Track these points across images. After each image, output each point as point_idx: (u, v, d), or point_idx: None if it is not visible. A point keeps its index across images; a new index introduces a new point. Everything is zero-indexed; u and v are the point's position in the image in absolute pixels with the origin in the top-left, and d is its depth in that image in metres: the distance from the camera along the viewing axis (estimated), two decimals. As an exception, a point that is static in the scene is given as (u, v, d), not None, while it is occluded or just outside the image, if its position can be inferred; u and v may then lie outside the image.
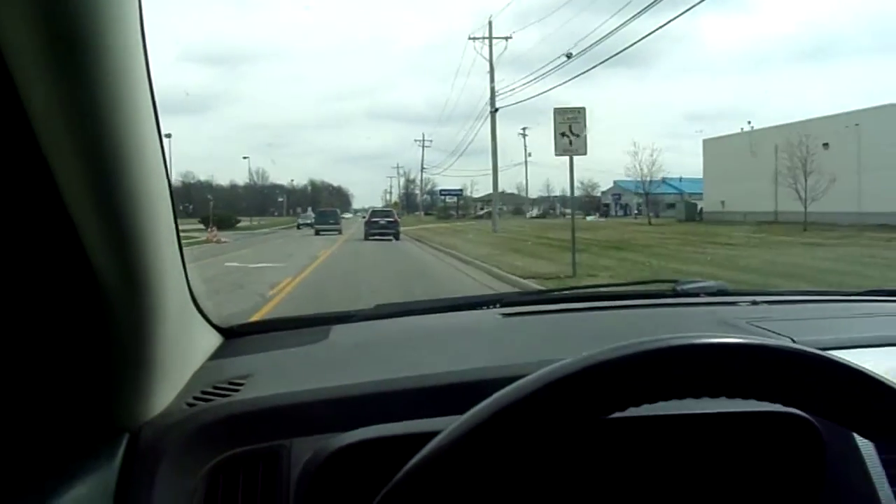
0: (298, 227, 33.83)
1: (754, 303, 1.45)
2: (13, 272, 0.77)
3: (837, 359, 0.55)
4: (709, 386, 0.55)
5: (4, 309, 0.78)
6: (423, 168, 74.06)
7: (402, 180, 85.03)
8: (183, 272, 0.99)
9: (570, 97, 63.78)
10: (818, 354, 0.55)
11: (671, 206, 52.58)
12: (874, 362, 0.66)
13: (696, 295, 1.53)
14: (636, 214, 56.47)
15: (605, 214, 59.26)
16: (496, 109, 33.26)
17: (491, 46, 35.17)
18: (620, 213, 63.52)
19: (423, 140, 71.25)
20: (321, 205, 43.79)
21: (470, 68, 71.25)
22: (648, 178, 43.29)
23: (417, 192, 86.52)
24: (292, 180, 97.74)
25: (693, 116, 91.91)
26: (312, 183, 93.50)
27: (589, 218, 43.42)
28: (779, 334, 1.10)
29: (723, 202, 41.03)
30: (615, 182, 64.91)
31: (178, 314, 0.95)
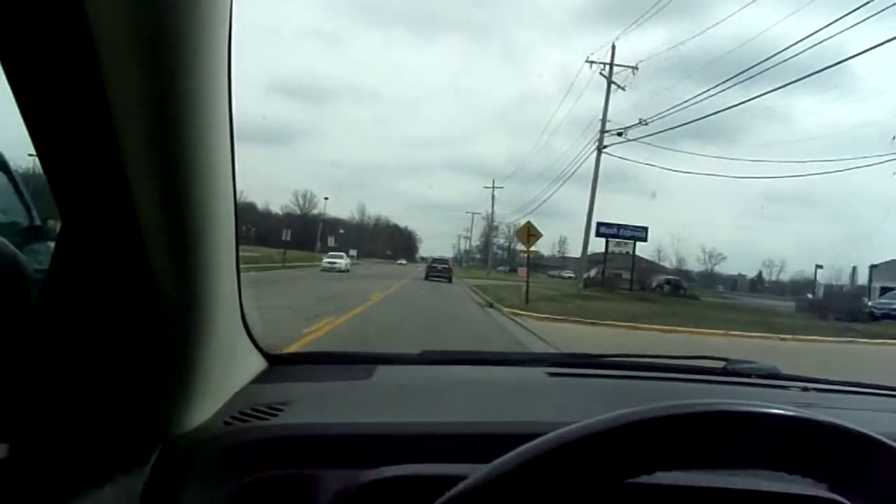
0: (323, 270, 29.48)
1: (805, 389, 1.43)
2: (83, 278, 0.80)
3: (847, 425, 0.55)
4: (740, 455, 0.55)
5: (71, 313, 0.81)
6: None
7: (483, 226, 65.67)
8: (237, 295, 1.01)
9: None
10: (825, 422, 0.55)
11: None
12: None
13: (748, 376, 1.51)
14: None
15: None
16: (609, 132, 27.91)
17: (611, 71, 28.01)
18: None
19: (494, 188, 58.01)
20: (385, 248, 35.57)
21: (557, 127, 64.90)
22: None
23: (501, 240, 67.12)
24: (327, 196, 78.62)
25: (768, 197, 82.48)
26: (369, 218, 75.81)
27: None
28: None
29: None
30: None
31: (227, 334, 0.97)
